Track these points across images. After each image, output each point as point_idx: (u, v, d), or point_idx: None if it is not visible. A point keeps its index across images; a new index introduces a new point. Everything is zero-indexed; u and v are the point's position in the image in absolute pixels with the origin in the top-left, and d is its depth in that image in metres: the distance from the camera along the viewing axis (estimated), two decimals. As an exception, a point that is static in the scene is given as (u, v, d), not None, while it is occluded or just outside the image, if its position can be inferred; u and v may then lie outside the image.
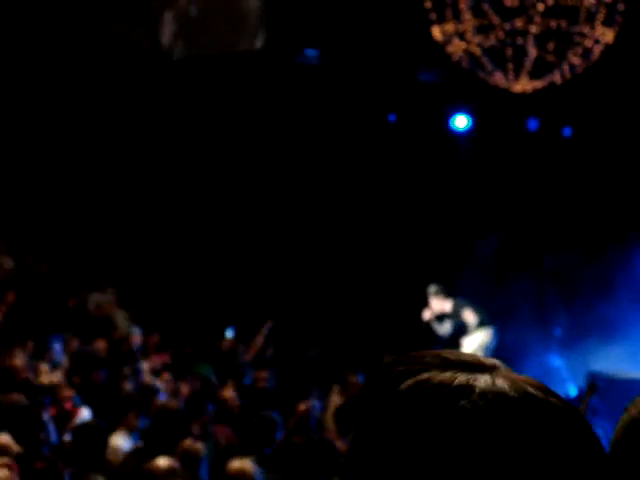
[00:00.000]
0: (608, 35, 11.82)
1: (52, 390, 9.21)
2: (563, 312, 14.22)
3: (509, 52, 12.38)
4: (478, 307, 13.64)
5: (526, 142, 14.69)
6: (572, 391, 12.91)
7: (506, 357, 13.29)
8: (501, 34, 12.30)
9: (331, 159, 14.83)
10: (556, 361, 13.69)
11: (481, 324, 13.52)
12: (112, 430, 8.35)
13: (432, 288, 13.76)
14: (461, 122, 15.01)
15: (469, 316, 13.52)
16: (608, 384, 12.33)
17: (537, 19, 11.99)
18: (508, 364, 1.26)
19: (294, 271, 14.86)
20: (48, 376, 9.77)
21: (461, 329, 13.56)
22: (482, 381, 1.18)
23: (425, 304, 13.80)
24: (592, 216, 14.24)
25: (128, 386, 9.97)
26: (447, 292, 13.67)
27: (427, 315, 13.80)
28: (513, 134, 14.69)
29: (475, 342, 13.45)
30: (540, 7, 11.94)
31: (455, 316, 13.57)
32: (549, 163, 14.65)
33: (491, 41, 12.37)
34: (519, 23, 12.13)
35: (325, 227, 14.99)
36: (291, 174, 14.99)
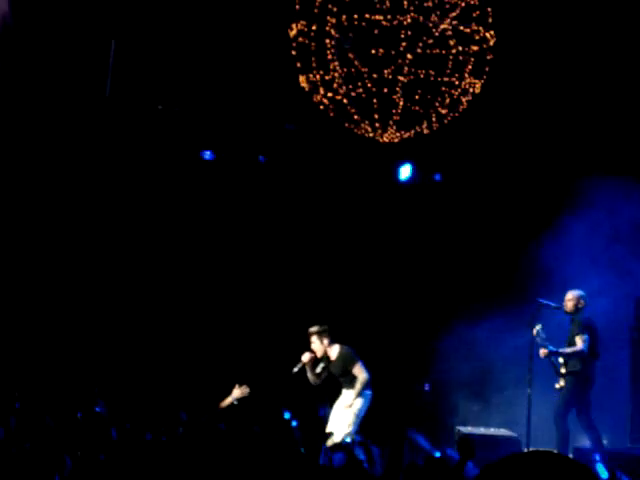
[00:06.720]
0: (475, 86, 11.78)
1: None
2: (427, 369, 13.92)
3: (376, 102, 12.21)
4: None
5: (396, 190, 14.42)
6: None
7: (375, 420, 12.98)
8: (369, 83, 12.12)
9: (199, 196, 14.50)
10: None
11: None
12: None
13: (315, 327, 11.50)
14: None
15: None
16: (474, 440, 12.15)
17: (405, 69, 11.87)
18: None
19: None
20: None
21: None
22: None
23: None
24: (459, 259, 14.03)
25: None
26: (332, 336, 11.52)
27: (305, 358, 11.46)
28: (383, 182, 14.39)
29: (351, 410, 11.61)
30: (408, 57, 11.83)
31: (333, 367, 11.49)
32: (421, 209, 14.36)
33: (358, 90, 12.19)
34: (387, 73, 11.99)
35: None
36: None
